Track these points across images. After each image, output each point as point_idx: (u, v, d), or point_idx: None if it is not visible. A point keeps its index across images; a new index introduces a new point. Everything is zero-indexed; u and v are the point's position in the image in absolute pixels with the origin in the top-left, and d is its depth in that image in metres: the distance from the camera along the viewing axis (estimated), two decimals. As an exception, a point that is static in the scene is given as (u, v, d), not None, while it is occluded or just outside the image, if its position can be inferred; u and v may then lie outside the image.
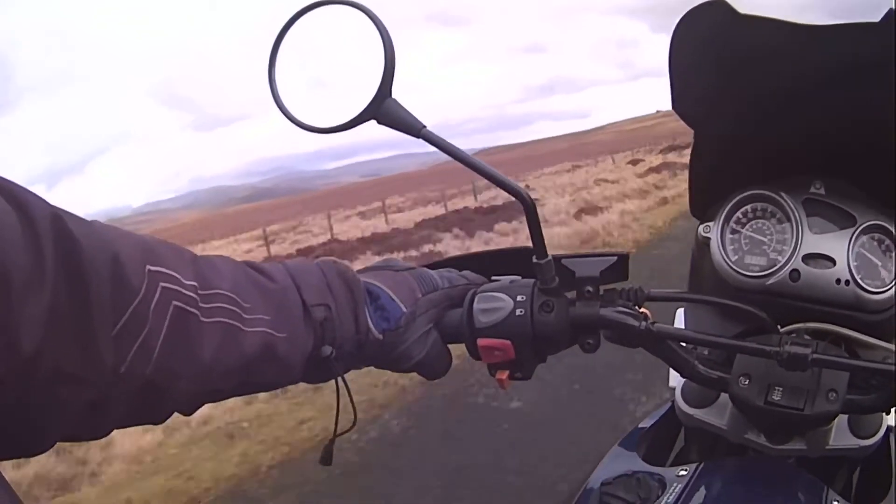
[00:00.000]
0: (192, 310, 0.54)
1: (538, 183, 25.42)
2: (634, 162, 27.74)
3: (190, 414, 0.61)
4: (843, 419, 0.79)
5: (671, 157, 26.38)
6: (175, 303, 0.53)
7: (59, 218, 0.46)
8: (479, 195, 22.55)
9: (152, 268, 0.52)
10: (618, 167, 27.43)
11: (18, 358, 0.42)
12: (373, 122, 0.66)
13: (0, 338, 0.40)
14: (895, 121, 0.64)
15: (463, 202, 22.42)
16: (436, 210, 21.69)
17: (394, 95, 0.65)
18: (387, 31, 0.64)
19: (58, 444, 0.51)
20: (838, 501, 0.72)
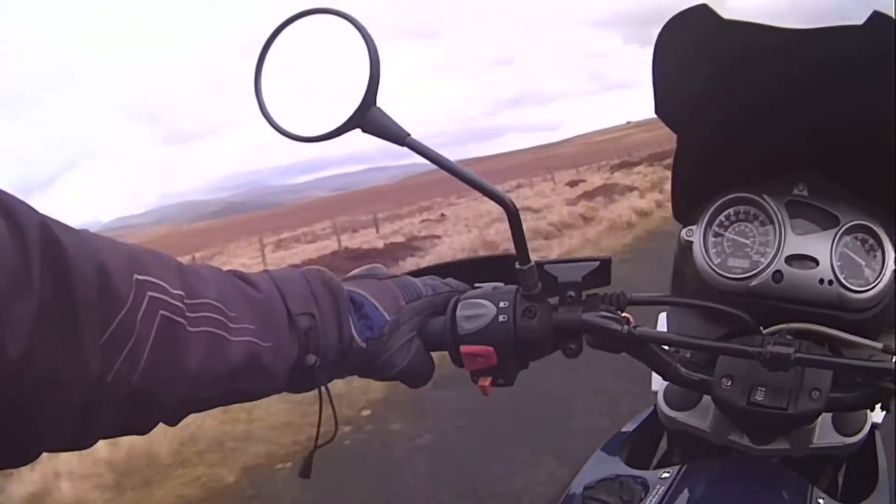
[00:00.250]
0: (179, 319, 0.54)
1: (452, 211, 23.07)
2: (573, 183, 24.45)
3: (174, 424, 0.61)
4: (827, 418, 0.80)
5: (617, 176, 23.65)
6: (162, 312, 0.53)
7: (46, 226, 0.46)
8: (381, 228, 20.84)
9: (139, 277, 0.52)
10: (555, 189, 23.93)
11: (4, 363, 0.41)
12: (357, 132, 0.66)
13: None
14: (881, 119, 0.65)
15: (363, 237, 19.47)
16: (331, 245, 17.96)
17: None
18: (372, 40, 0.64)
19: None
20: (824, 499, 0.72)
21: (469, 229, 14.24)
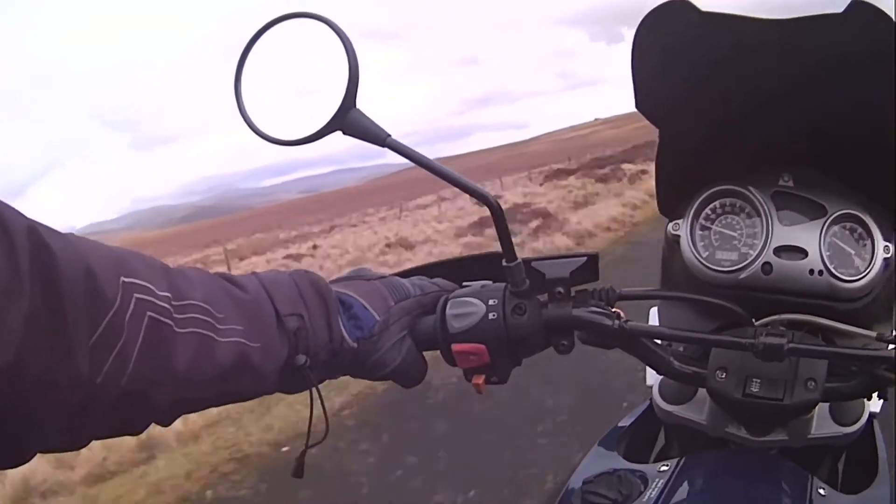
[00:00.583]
0: (167, 320, 0.55)
1: (330, 241, 18.05)
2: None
3: (167, 425, 0.61)
4: (824, 408, 0.80)
5: (541, 190, 18.60)
6: (150, 313, 0.53)
7: (35, 230, 0.47)
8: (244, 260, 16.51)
9: (126, 279, 0.52)
10: (462, 209, 18.30)
11: None
12: (338, 134, 0.66)
13: None
14: (872, 112, 0.65)
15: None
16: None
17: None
18: (350, 43, 0.64)
19: None
20: (824, 489, 0.72)
21: (337, 264, 11.99)
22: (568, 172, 24.15)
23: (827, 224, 0.73)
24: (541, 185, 22.47)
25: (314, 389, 0.67)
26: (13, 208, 0.47)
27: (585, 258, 0.72)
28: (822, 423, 0.80)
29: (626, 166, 19.66)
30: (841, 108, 0.68)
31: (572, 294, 0.71)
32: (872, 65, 0.61)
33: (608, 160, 24.48)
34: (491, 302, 0.70)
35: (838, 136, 0.71)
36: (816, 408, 0.74)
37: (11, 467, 0.50)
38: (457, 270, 0.82)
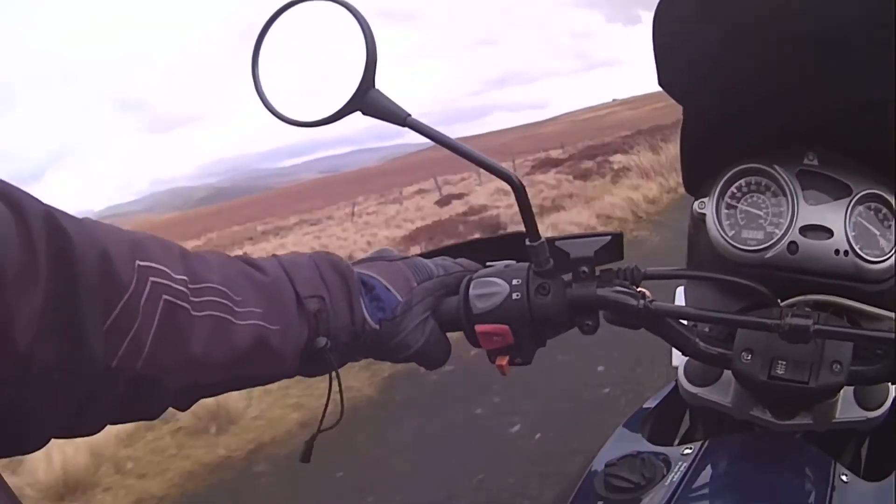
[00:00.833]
0: (183, 304, 0.54)
1: (262, 247, 17.01)
2: (446, 200, 17.44)
3: (185, 409, 0.61)
4: (848, 392, 0.78)
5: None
6: (165, 297, 0.53)
7: (51, 216, 0.47)
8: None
9: (142, 263, 0.52)
10: (420, 210, 17.03)
11: (14, 354, 0.42)
12: (357, 114, 0.65)
13: None
14: (887, 86, 0.63)
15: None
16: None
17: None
18: (367, 23, 0.64)
19: None
20: (846, 475, 0.71)
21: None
22: (555, 163, 22.31)
23: (852, 204, 0.73)
24: (531, 172, 20.32)
25: (333, 372, 0.67)
26: (30, 195, 0.47)
27: (610, 237, 0.72)
28: (846, 407, 0.78)
29: (616, 157, 17.02)
30: (864, 85, 0.66)
31: (597, 273, 0.70)
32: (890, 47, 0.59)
33: (601, 149, 22.02)
34: (514, 282, 0.70)
35: (863, 114, 0.70)
36: (841, 391, 0.73)
37: (26, 453, 0.50)
38: (480, 250, 0.82)
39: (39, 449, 0.51)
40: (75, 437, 0.55)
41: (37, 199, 0.47)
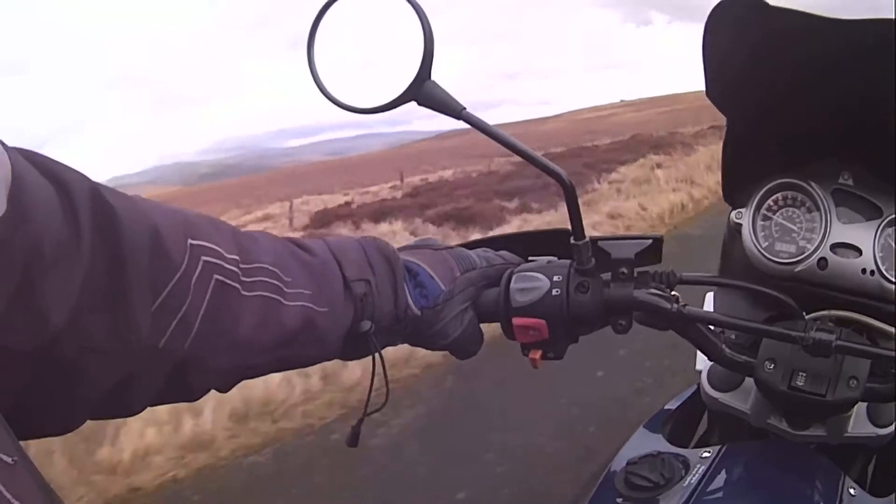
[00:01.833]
0: (234, 283, 0.54)
1: None
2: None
3: (226, 391, 0.60)
4: (861, 407, 0.80)
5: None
6: (217, 276, 0.52)
7: (97, 192, 0.46)
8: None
9: (194, 241, 0.51)
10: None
11: (45, 330, 0.41)
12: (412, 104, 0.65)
13: (28, 309, 0.40)
14: None
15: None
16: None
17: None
18: (425, 14, 0.64)
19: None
20: (854, 489, 0.73)
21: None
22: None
23: (882, 225, 0.74)
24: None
25: (377, 355, 0.67)
26: (77, 171, 0.46)
27: (651, 240, 0.73)
28: (859, 422, 0.80)
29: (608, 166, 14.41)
30: (889, 110, 0.67)
31: (635, 275, 0.72)
32: None
33: (590, 152, 19.28)
34: (556, 278, 0.71)
35: (887, 139, 0.71)
36: (855, 407, 0.75)
37: (61, 433, 0.49)
38: (522, 244, 0.83)
39: (74, 429, 0.49)
40: (113, 417, 0.54)
41: (84, 176, 0.46)
